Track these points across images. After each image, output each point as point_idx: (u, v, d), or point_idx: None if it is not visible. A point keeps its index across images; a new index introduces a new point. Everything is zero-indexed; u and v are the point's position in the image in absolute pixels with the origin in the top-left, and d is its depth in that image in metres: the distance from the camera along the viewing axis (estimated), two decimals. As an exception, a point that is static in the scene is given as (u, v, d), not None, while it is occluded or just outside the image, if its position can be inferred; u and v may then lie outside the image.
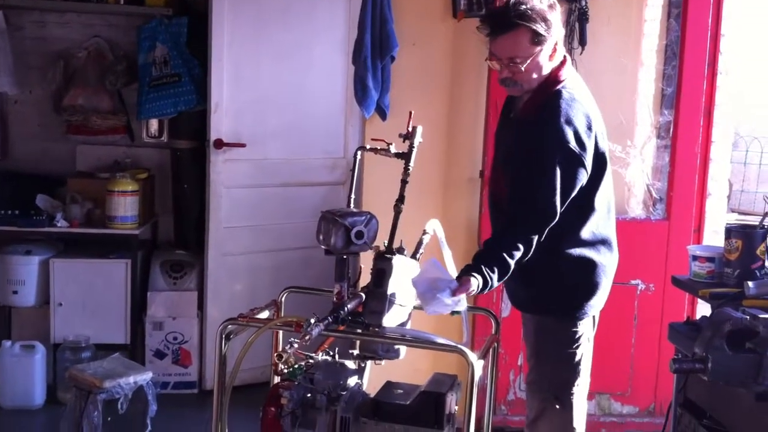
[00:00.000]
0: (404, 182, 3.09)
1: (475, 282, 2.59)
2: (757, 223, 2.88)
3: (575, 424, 2.93)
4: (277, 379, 3.12)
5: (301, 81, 4.53)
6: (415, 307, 3.07)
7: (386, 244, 3.03)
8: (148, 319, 4.41)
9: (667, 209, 3.99)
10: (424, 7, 4.16)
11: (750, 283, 2.54)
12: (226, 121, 4.37)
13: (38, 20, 4.76)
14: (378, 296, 2.93)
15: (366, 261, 3.06)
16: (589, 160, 2.65)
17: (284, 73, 4.49)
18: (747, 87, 4.51)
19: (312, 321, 2.58)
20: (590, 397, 3.87)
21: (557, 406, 2.90)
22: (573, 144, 2.59)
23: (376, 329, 2.65)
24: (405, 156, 3.08)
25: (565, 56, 2.75)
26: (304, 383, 2.80)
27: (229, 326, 2.83)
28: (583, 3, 3.85)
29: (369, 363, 3.04)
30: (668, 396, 3.98)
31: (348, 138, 4.61)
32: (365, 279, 3.03)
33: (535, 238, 2.62)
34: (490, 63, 2.75)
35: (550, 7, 2.67)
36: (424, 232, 3.04)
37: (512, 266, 2.61)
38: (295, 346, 2.44)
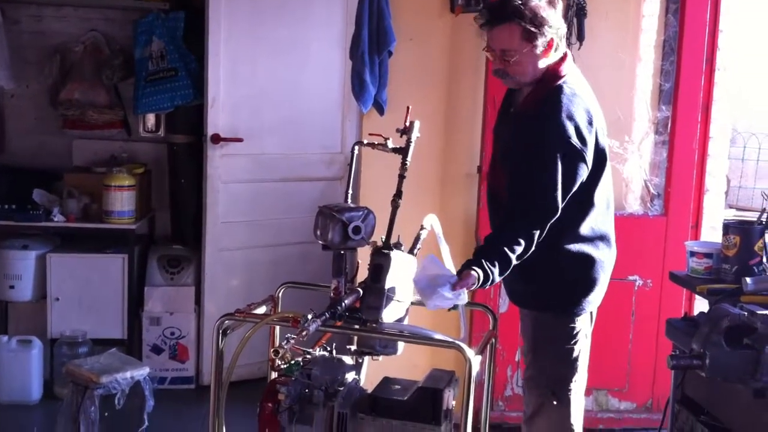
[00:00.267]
0: (401, 177, 3.08)
1: (476, 276, 2.59)
2: (755, 219, 2.88)
3: (573, 420, 2.93)
4: (274, 375, 3.12)
5: (299, 76, 4.52)
6: (412, 303, 3.06)
7: (384, 240, 3.03)
8: (145, 315, 4.41)
9: (665, 205, 3.99)
10: (422, 2, 4.15)
11: (748, 279, 2.53)
12: (223, 116, 4.36)
13: (35, 14, 4.75)
14: (375, 292, 2.93)
15: (363, 256, 3.06)
16: (590, 155, 2.65)
17: (281, 69, 4.48)
18: (745, 83, 4.51)
19: (309, 316, 2.58)
20: (588, 392, 3.88)
21: (555, 402, 2.90)
22: (574, 139, 2.59)
23: (374, 325, 2.64)
24: (402, 151, 3.08)
25: (566, 52, 2.74)
26: (302, 379, 2.80)
27: (226, 321, 2.82)
28: (581, -2, 3.84)
29: (366, 359, 3.04)
30: (666, 392, 3.98)
31: (345, 133, 4.61)
32: (363, 274, 3.03)
33: (537, 233, 2.61)
34: (486, 53, 2.76)
35: (550, 3, 2.66)
36: (422, 228, 3.03)
37: (513, 261, 2.61)
38: (292, 341, 2.43)
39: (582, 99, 2.67)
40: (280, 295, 3.27)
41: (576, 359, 2.89)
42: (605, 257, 2.84)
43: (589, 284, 2.81)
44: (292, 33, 4.46)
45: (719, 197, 4.10)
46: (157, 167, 4.87)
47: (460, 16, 4.04)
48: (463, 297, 2.64)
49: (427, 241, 3.03)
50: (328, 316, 2.65)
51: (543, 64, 2.69)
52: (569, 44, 3.77)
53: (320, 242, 2.85)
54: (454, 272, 2.92)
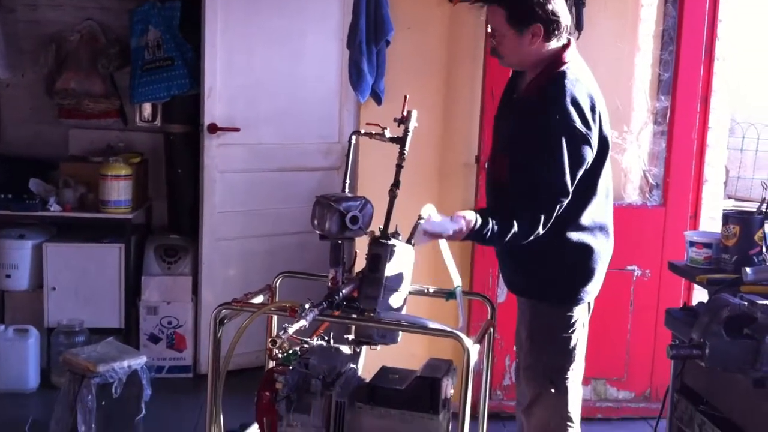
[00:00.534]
0: (399, 167, 3.07)
1: (473, 218, 2.60)
2: (755, 209, 2.87)
3: (571, 409, 2.94)
4: (271, 364, 3.11)
5: (296, 66, 4.50)
6: (410, 293, 3.06)
7: (381, 230, 3.02)
8: (143, 304, 4.40)
9: (664, 195, 3.98)
10: (420, -9, 4.13)
11: (748, 269, 2.53)
12: (219, 105, 4.34)
13: (30, 3, 4.73)
14: (373, 281, 2.92)
15: (362, 246, 3.05)
16: (594, 140, 2.64)
17: (278, 58, 4.46)
18: (744, 73, 4.50)
19: (306, 306, 2.57)
20: (586, 382, 3.89)
21: (552, 390, 2.90)
22: (578, 123, 2.58)
23: (371, 314, 2.63)
24: (400, 141, 3.06)
25: (569, 39, 2.74)
26: (299, 368, 2.79)
27: (223, 311, 2.82)
28: (580, -13, 3.82)
29: (364, 348, 3.04)
30: (664, 381, 3.98)
31: (343, 123, 4.59)
32: (360, 264, 3.02)
33: (543, 217, 2.60)
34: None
35: None
36: (420, 218, 3.02)
37: (512, 232, 2.61)
38: (290, 331, 2.42)
39: (585, 85, 2.67)
40: (278, 284, 3.26)
41: (574, 348, 2.89)
42: (604, 247, 2.84)
43: (587, 274, 2.81)
44: (289, 23, 4.44)
45: (718, 187, 4.10)
46: (154, 157, 4.86)
47: (458, 5, 4.01)
48: (449, 227, 2.65)
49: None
50: (325, 305, 2.65)
51: (536, 51, 2.68)
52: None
53: (318, 232, 2.84)
54: (453, 270, 2.92)
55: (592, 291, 2.85)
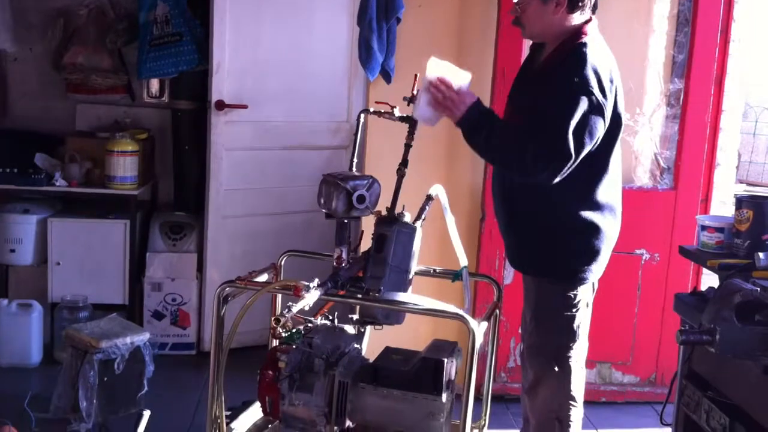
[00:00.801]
0: (408, 146, 3.05)
1: (471, 101, 2.65)
2: (768, 194, 2.83)
3: (574, 391, 2.93)
4: (275, 343, 3.09)
5: (305, 42, 4.45)
6: (416, 273, 3.03)
7: (388, 209, 3.00)
8: (147, 280, 4.38)
9: (675, 179, 3.93)
10: (431, -33, 4.06)
11: (761, 255, 2.48)
12: (227, 82, 4.30)
13: (38, -24, 4.68)
14: (379, 261, 2.90)
15: (367, 226, 3.02)
16: (608, 112, 2.62)
17: (287, 35, 4.41)
18: (759, 56, 4.43)
19: (311, 285, 2.54)
20: (591, 366, 3.87)
21: (556, 369, 2.90)
22: (596, 90, 2.57)
23: (376, 294, 2.61)
24: (409, 120, 3.04)
25: (591, 16, 2.74)
26: (303, 347, 2.77)
27: (227, 289, 2.79)
28: (595, -34, 3.75)
29: (368, 328, 3.02)
30: (670, 366, 3.97)
31: (351, 101, 4.55)
32: (366, 244, 2.99)
33: (537, 155, 2.57)
34: None
35: None
36: (428, 198, 2.99)
37: (504, 143, 2.63)
38: (294, 310, 2.40)
39: (605, 59, 2.68)
40: (283, 263, 3.24)
41: (578, 328, 2.89)
42: (611, 228, 2.84)
43: (593, 253, 2.80)
44: (298, -1, 4.39)
45: (730, 172, 4.05)
46: (161, 133, 4.83)
47: (470, -18, 3.96)
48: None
49: (432, 211, 3.00)
50: (330, 285, 2.62)
51: (558, 22, 2.69)
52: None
53: (324, 211, 2.81)
54: (460, 250, 2.90)
55: (596, 271, 2.85)
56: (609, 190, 2.81)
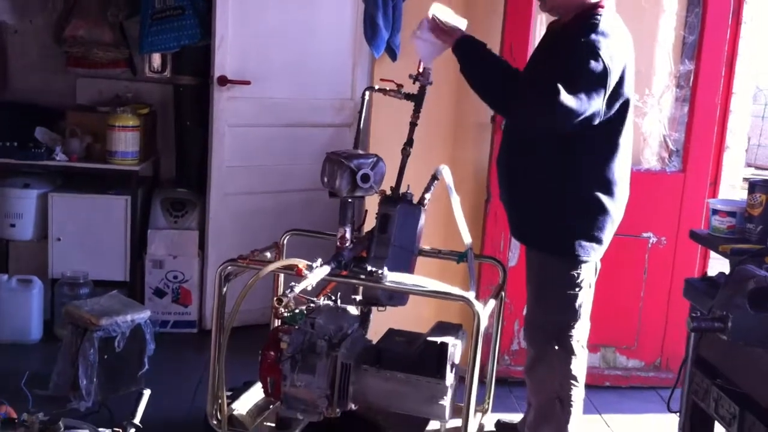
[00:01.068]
0: (413, 125, 3.03)
1: (464, 39, 2.76)
2: (781, 178, 2.77)
3: (575, 370, 2.92)
4: (277, 323, 3.07)
5: (309, 18, 4.39)
6: (420, 254, 2.99)
7: (392, 189, 2.96)
8: (148, 257, 4.34)
9: (684, 161, 3.88)
10: (439, -58, 3.98)
11: (775, 240, 2.44)
12: (230, 57, 4.23)
13: (39, -53, 4.61)
14: (382, 242, 2.87)
15: (371, 205, 2.97)
16: (612, 80, 2.62)
17: (291, 10, 4.34)
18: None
19: (314, 265, 2.51)
20: (595, 350, 3.84)
21: (557, 348, 2.90)
22: (604, 52, 2.58)
23: (380, 275, 2.57)
24: (415, 98, 3.00)
25: None
26: (305, 328, 2.74)
27: (229, 267, 2.76)
28: (604, -55, 3.68)
29: (372, 309, 2.99)
30: (675, 351, 3.94)
31: (356, 78, 4.49)
32: (370, 223, 2.95)
33: (518, 103, 2.62)
34: None
35: None
36: (433, 178, 2.96)
37: (498, 76, 2.71)
38: (296, 290, 2.36)
39: (617, 31, 2.70)
40: (285, 242, 3.20)
41: (579, 307, 2.90)
42: (617, 209, 2.85)
43: (597, 231, 2.81)
44: (303, -28, 4.32)
45: (739, 154, 4.00)
46: (163, 109, 4.77)
47: (479, -42, 3.88)
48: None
49: (435, 192, 2.96)
50: (334, 265, 2.59)
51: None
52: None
53: (327, 189, 2.77)
54: (464, 227, 2.88)
55: (599, 250, 2.86)
56: (618, 171, 2.82)
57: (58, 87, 4.65)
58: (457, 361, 2.74)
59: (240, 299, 2.50)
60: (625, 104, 2.75)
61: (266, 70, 4.33)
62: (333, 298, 2.92)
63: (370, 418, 3.01)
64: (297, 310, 2.76)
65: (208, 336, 4.05)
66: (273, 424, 2.92)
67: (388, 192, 2.94)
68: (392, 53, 3.93)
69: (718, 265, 3.86)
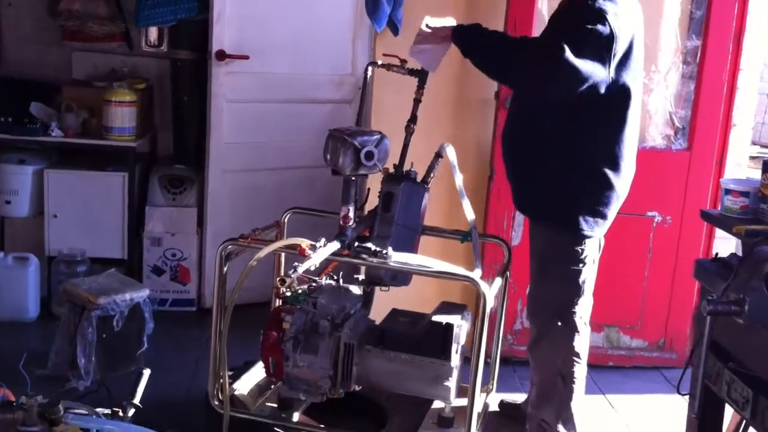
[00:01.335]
0: (417, 101, 2.98)
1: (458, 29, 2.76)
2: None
3: (578, 347, 2.90)
4: (278, 303, 3.02)
5: (309, -10, 4.31)
6: (424, 233, 2.95)
7: (396, 167, 2.91)
8: (146, 235, 4.29)
9: (689, 139, 3.82)
10: None
11: (790, 221, 2.39)
12: (228, 31, 4.16)
13: None
14: (386, 221, 2.83)
15: (373, 183, 2.92)
16: (618, 49, 2.58)
17: (290, -19, 4.27)
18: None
19: (318, 245, 2.46)
20: (599, 329, 3.81)
21: (560, 324, 2.88)
22: (611, 18, 2.55)
23: (386, 255, 2.52)
24: (420, 74, 2.95)
25: None
26: (307, 308, 2.70)
27: (230, 246, 2.71)
28: None
29: (375, 289, 2.95)
30: (679, 331, 3.92)
31: (356, 53, 4.43)
32: (372, 202, 2.90)
33: (524, 67, 2.59)
34: None
35: None
36: (437, 155, 2.92)
37: (501, 43, 2.69)
38: (300, 270, 2.32)
39: (627, 3, 2.66)
40: (286, 220, 3.15)
41: (583, 283, 2.88)
42: (622, 185, 2.83)
43: (603, 207, 2.79)
44: (302, -57, 4.24)
45: (746, 132, 3.94)
46: (160, 84, 4.70)
47: (483, -70, 3.81)
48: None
49: (438, 169, 2.91)
50: (338, 244, 2.55)
51: None
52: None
53: (330, 167, 2.71)
54: (467, 205, 2.85)
55: (603, 225, 2.84)
56: (625, 146, 2.79)
57: (54, 61, 4.58)
58: (462, 342, 2.70)
59: (242, 279, 2.45)
60: (634, 76, 2.72)
61: (265, 44, 4.26)
62: (335, 277, 2.87)
63: (372, 398, 2.98)
64: (300, 291, 2.71)
65: (206, 314, 4.03)
66: (275, 405, 2.89)
67: (392, 170, 2.88)
68: (394, 28, 3.85)
69: (722, 244, 3.83)
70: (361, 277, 2.91)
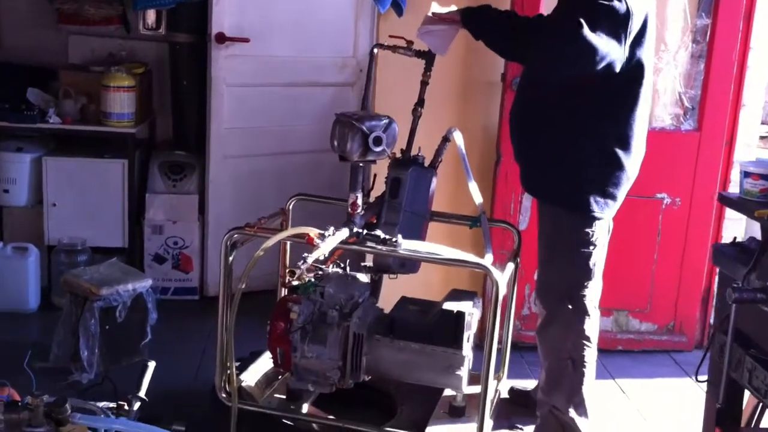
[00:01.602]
0: (424, 84, 2.93)
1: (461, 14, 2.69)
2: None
3: (588, 330, 2.85)
4: (284, 292, 2.97)
5: (309, -30, 4.23)
6: (432, 219, 2.90)
7: (403, 151, 2.86)
8: (147, 223, 4.23)
9: (699, 119, 3.76)
10: None
11: (814, 205, 2.33)
12: (228, 13, 4.08)
13: None
14: (393, 207, 2.77)
15: (379, 169, 2.86)
16: (633, 26, 2.51)
17: (291, -39, 4.18)
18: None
19: (326, 234, 2.41)
20: (608, 313, 3.77)
21: (570, 307, 2.83)
22: None
23: (396, 243, 2.47)
24: (427, 56, 2.89)
25: None
26: (315, 297, 2.65)
27: (236, 235, 2.65)
28: None
29: (383, 277, 2.90)
30: (688, 314, 3.88)
31: (359, 35, 4.34)
32: (379, 188, 2.85)
33: (541, 45, 2.51)
34: None
35: None
36: (444, 140, 2.86)
37: (498, 37, 2.65)
38: (309, 261, 2.26)
39: None
40: (291, 207, 3.10)
41: (593, 266, 2.83)
42: (632, 166, 2.79)
43: (613, 187, 2.74)
44: None
45: (756, 112, 3.87)
46: (158, 68, 4.62)
47: None
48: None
49: (448, 154, 2.86)
50: (349, 234, 2.49)
51: None
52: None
53: (337, 153, 2.65)
54: (474, 189, 2.80)
55: (612, 207, 2.79)
56: (636, 126, 2.74)
57: (50, 45, 4.49)
58: (473, 330, 2.66)
59: (248, 270, 2.39)
60: (648, 55, 2.67)
61: (265, 26, 4.18)
62: (342, 265, 2.82)
63: (381, 388, 2.94)
64: (308, 280, 2.66)
65: (210, 303, 3.98)
66: (283, 396, 2.84)
67: (399, 155, 2.83)
68: (398, 8, 3.78)
69: (732, 225, 3.78)
70: (369, 264, 2.86)
